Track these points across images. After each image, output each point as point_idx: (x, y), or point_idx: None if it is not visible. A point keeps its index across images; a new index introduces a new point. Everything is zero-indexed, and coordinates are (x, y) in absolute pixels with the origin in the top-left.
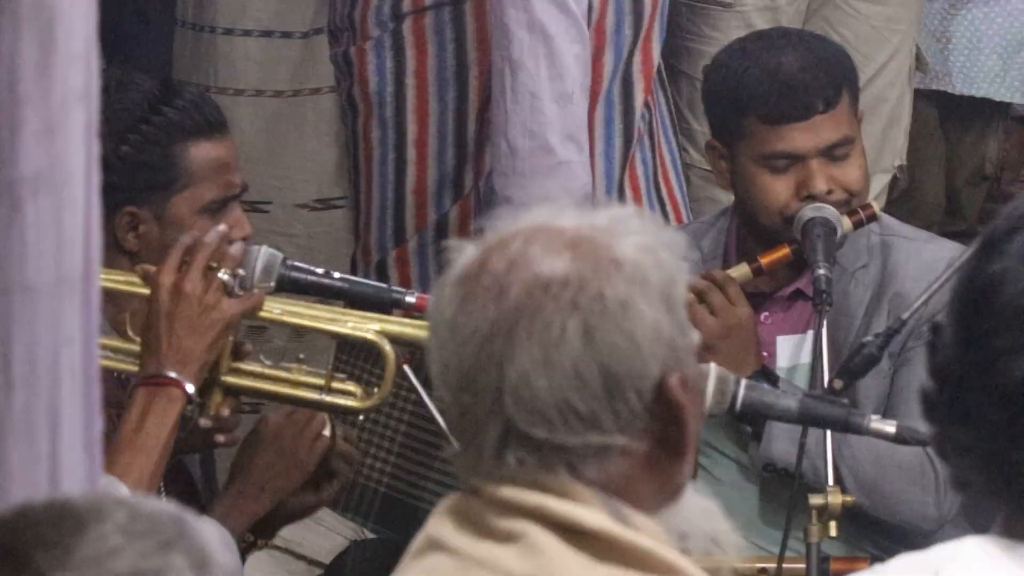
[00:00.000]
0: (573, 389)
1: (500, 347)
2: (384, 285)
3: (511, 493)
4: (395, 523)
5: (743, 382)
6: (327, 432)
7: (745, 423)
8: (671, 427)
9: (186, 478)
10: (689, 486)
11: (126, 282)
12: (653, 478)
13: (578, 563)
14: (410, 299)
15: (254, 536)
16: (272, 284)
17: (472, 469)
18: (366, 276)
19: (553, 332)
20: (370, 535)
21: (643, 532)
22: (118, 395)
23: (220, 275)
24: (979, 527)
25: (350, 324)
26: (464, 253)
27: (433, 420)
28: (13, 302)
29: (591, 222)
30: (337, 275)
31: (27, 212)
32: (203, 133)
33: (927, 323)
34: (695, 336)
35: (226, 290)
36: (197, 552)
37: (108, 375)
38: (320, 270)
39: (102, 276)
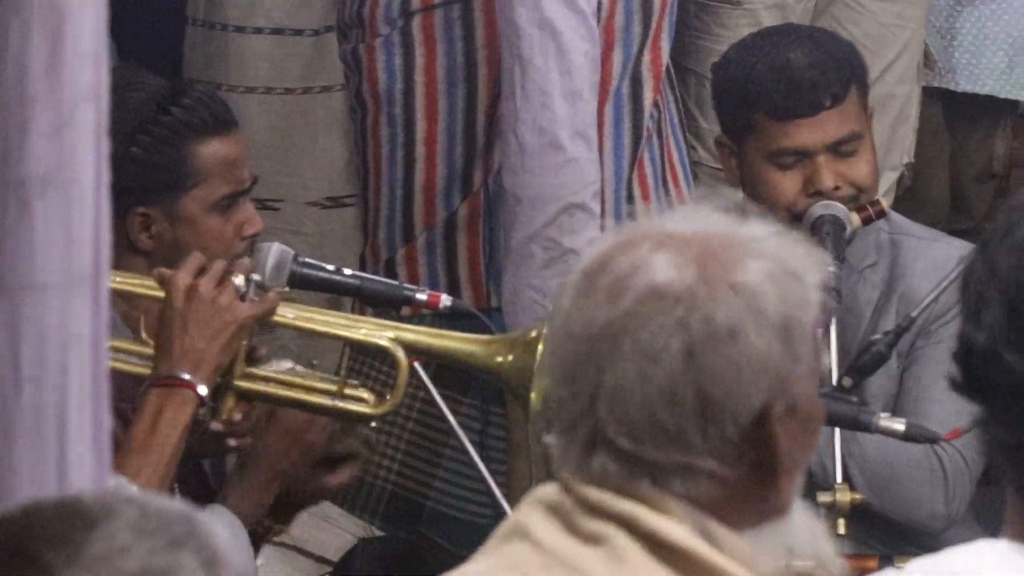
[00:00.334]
0: (664, 406)
1: (604, 351)
2: (396, 282)
3: (601, 496)
4: (403, 521)
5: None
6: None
7: None
8: (764, 455)
9: (200, 478)
10: (797, 504)
11: (141, 284)
12: (744, 501)
13: None
14: (421, 296)
15: (272, 521)
16: (285, 286)
17: (562, 461)
18: (375, 274)
19: (655, 347)
20: (379, 533)
21: (730, 553)
22: (133, 390)
23: (234, 279)
24: (987, 526)
25: (363, 330)
26: (598, 245)
27: (442, 418)
28: (22, 300)
29: (725, 237)
30: (348, 272)
31: (36, 211)
32: (212, 131)
33: (936, 322)
34: (824, 361)
35: (239, 294)
36: (207, 551)
37: (124, 372)
38: (331, 267)
39: (117, 279)
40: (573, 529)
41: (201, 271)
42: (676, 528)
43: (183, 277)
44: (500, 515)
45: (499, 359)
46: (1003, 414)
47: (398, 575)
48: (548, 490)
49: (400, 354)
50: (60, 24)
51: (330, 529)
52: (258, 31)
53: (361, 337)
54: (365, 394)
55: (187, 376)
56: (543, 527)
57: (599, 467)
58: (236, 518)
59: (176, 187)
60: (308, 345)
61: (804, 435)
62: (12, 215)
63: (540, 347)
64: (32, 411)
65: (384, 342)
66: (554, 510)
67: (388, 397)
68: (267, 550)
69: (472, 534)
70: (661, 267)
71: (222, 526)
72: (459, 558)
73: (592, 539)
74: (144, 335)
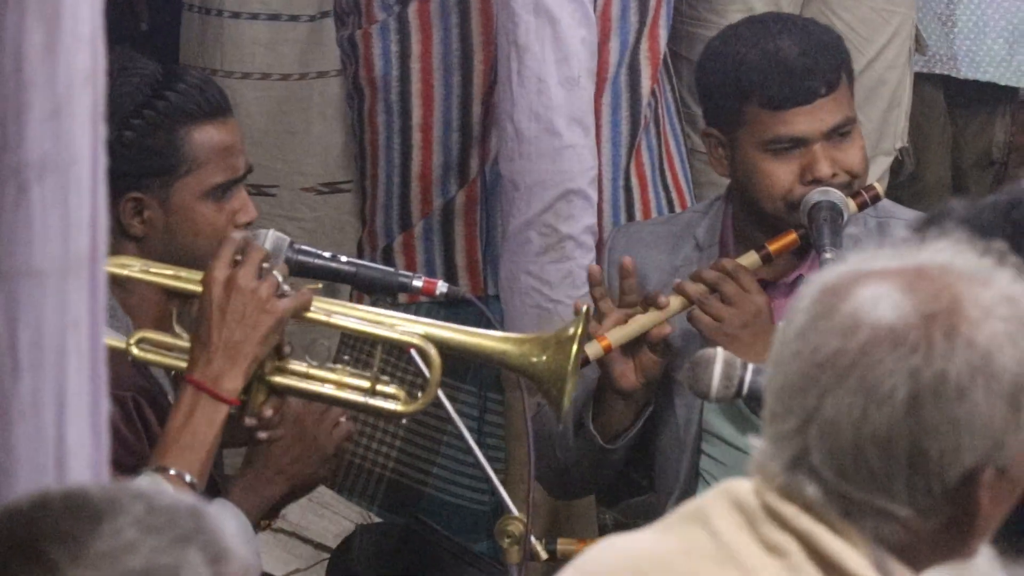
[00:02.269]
0: (876, 449)
1: (829, 380)
2: (391, 269)
3: (788, 510)
4: (401, 508)
5: (749, 367)
6: (345, 419)
7: (751, 410)
8: (963, 515)
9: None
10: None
11: (174, 276)
12: (931, 550)
13: None
14: (417, 283)
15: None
16: (318, 285)
17: (763, 466)
18: (372, 261)
19: (882, 390)
20: (376, 519)
21: None
22: (136, 380)
23: (274, 273)
24: None
25: (398, 328)
26: (849, 261)
27: (440, 405)
28: (20, 285)
29: (974, 290)
30: (344, 259)
31: (33, 195)
32: (206, 117)
33: None
34: None
35: (278, 289)
36: (214, 546)
37: (123, 358)
38: (327, 254)
39: (151, 270)
40: (754, 531)
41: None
42: (854, 556)
43: (221, 269)
44: (497, 502)
45: (533, 359)
46: None
47: (396, 561)
48: (739, 486)
49: (432, 351)
50: (57, 8)
51: (328, 515)
52: (254, 17)
53: (394, 335)
54: (396, 391)
55: (220, 391)
56: (727, 521)
57: (796, 486)
58: (242, 513)
59: (169, 173)
60: (300, 328)
61: (1009, 498)
62: (9, 200)
63: (575, 348)
64: (30, 396)
65: (417, 340)
66: (740, 508)
67: (420, 395)
68: (265, 536)
69: (471, 520)
70: (905, 310)
71: (227, 520)
72: (457, 544)
73: (773, 548)
74: (177, 328)
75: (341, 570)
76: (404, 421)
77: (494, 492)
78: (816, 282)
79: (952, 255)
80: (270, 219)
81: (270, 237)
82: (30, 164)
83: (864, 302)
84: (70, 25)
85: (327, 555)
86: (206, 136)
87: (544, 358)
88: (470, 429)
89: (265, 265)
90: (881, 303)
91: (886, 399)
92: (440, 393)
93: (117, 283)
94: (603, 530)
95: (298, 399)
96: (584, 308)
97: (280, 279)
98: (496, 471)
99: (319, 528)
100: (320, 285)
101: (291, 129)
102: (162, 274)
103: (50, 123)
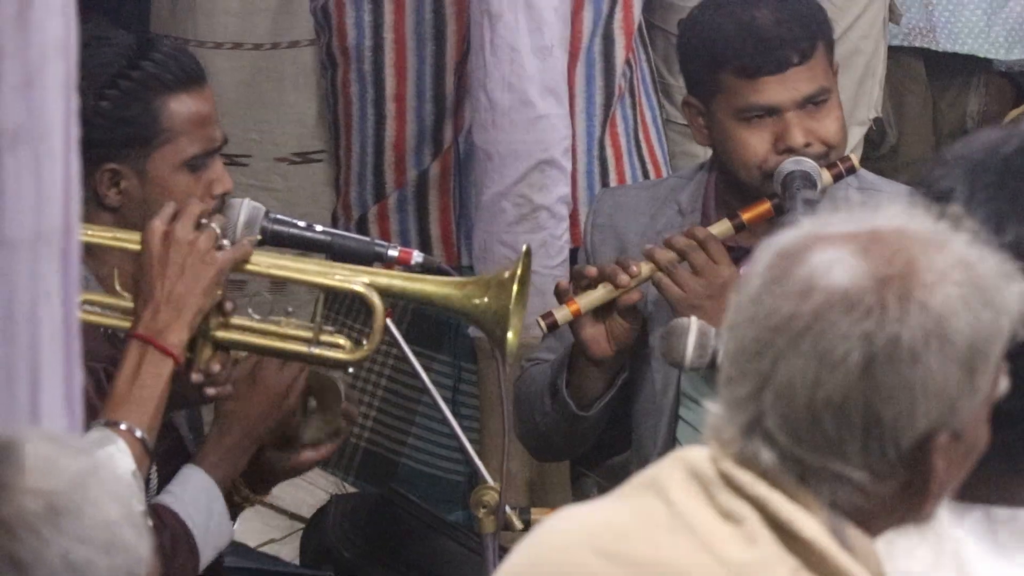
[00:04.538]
0: (831, 414)
1: (783, 344)
2: (367, 239)
3: (744, 477)
4: (376, 477)
5: (724, 335)
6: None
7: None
8: (918, 478)
9: (174, 433)
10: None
11: (112, 237)
12: (887, 513)
13: (787, 567)
14: (392, 252)
15: (250, 491)
16: (258, 236)
17: (718, 431)
18: (347, 231)
19: (836, 354)
20: (351, 489)
21: (859, 555)
22: (106, 350)
23: (212, 225)
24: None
25: (338, 276)
26: (802, 225)
27: (414, 375)
28: None
29: (929, 254)
30: (319, 228)
31: (6, 165)
32: (182, 86)
33: None
34: (1003, 386)
35: (216, 241)
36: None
37: (95, 330)
38: (302, 223)
39: (87, 232)
40: (711, 501)
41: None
42: (809, 521)
43: (159, 224)
44: (473, 472)
45: (475, 300)
46: None
47: (370, 531)
48: (694, 454)
49: (375, 298)
50: None
51: (303, 486)
52: None
53: (336, 283)
54: (341, 340)
55: (166, 343)
56: (682, 490)
57: (751, 452)
58: (210, 478)
59: (145, 143)
60: (282, 299)
61: (963, 462)
62: None
63: (515, 288)
64: (3, 366)
65: (359, 287)
66: (696, 476)
67: (364, 343)
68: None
69: (446, 490)
70: (858, 272)
71: (193, 485)
72: (432, 514)
73: (728, 516)
74: (118, 288)
75: (315, 540)
76: (380, 392)
77: (468, 462)
78: (771, 246)
79: (908, 219)
80: (244, 189)
81: (245, 206)
82: (2, 134)
83: (818, 266)
84: None
85: (302, 525)
86: (182, 106)
87: (486, 299)
88: (445, 399)
89: (203, 221)
90: (835, 267)
91: (840, 363)
92: (415, 361)
93: (90, 254)
94: (584, 499)
95: (268, 366)
96: (525, 247)
97: (219, 231)
98: (471, 441)
99: (294, 499)
100: (260, 238)
101: (264, 99)
102: (99, 235)
103: (22, 93)
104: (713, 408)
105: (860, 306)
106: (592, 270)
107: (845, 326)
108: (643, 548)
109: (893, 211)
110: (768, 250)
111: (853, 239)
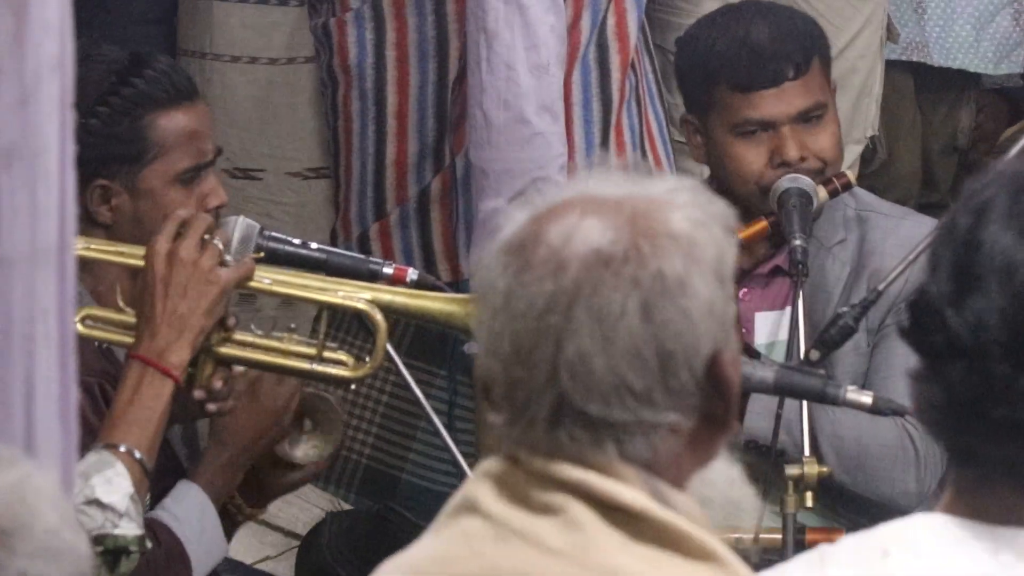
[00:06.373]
0: (630, 367)
1: (558, 322)
2: (362, 256)
3: (552, 467)
4: (377, 494)
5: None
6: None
7: None
8: (717, 403)
9: (167, 449)
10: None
11: (116, 252)
12: (696, 454)
13: (616, 541)
14: (387, 270)
15: (247, 506)
16: (259, 254)
17: (518, 440)
18: (348, 249)
19: (613, 309)
20: (346, 506)
21: (681, 512)
22: (102, 365)
23: (215, 242)
24: None
25: (340, 293)
26: (513, 220)
27: (410, 388)
28: None
29: (644, 193)
30: (315, 245)
31: (1, 183)
32: (172, 102)
33: (906, 299)
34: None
35: (220, 259)
36: None
37: (89, 344)
38: (297, 241)
39: (91, 248)
40: (525, 501)
41: (178, 232)
42: (628, 491)
43: (163, 242)
44: None
45: None
46: (939, 373)
47: (365, 548)
48: (494, 464)
49: (378, 315)
50: None
51: (297, 503)
52: (243, 0)
53: (339, 300)
54: (344, 357)
55: (166, 364)
56: (493, 500)
57: (566, 437)
58: (206, 495)
59: (136, 159)
60: (288, 315)
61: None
62: None
63: None
64: None
65: (362, 304)
66: (504, 483)
67: (367, 360)
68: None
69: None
70: (597, 231)
71: (188, 502)
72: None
73: (545, 509)
74: (121, 303)
75: (311, 558)
76: (380, 408)
77: (462, 477)
78: (493, 252)
79: (609, 179)
80: (256, 203)
81: (240, 224)
82: None
83: (556, 241)
84: (38, 13)
85: (297, 543)
86: (172, 122)
87: None
88: (441, 412)
89: (206, 237)
90: (575, 235)
91: (620, 316)
92: (410, 379)
93: (87, 270)
94: None
95: (268, 383)
96: None
97: (221, 247)
98: (468, 456)
99: (289, 516)
100: (262, 255)
101: (278, 113)
102: (104, 251)
103: (18, 111)
104: (497, 419)
105: (616, 257)
106: None
107: (611, 280)
108: (473, 565)
109: (589, 179)
110: (491, 259)
111: (572, 207)
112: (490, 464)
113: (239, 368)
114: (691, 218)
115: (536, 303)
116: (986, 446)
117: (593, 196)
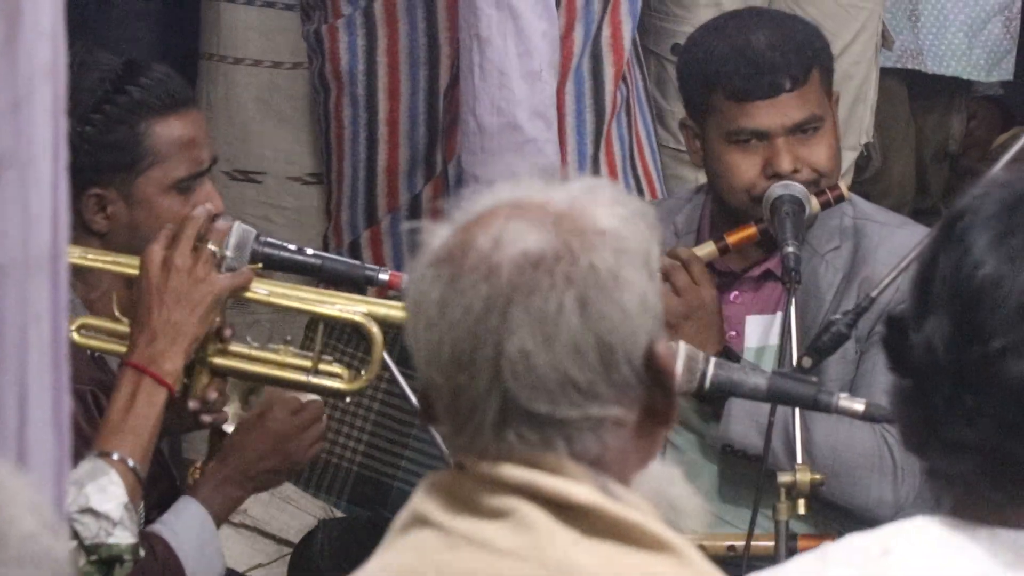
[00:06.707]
0: (573, 363)
1: (496, 324)
2: (357, 262)
3: (500, 471)
4: (369, 502)
5: (712, 360)
6: (322, 430)
7: (704, 402)
8: (659, 394)
9: (159, 458)
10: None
11: (112, 261)
12: (640, 447)
13: (568, 538)
14: (383, 276)
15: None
16: (258, 265)
17: (465, 448)
18: (339, 255)
19: (550, 307)
20: (339, 514)
21: (631, 506)
22: (94, 374)
23: (210, 247)
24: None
25: (337, 306)
26: (437, 234)
27: (406, 397)
28: None
29: (566, 194)
30: (310, 251)
31: None
32: (168, 110)
33: (897, 307)
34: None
35: (216, 265)
36: None
37: (81, 353)
38: (293, 246)
39: (87, 256)
40: (474, 507)
41: (173, 239)
42: (577, 488)
43: (157, 250)
44: None
45: None
46: (901, 390)
47: (358, 556)
48: (439, 475)
49: (374, 328)
50: (17, 2)
51: (290, 510)
52: (249, 3)
53: (335, 312)
54: (340, 369)
55: (160, 372)
56: (442, 511)
57: (515, 439)
58: (204, 510)
59: (132, 167)
60: (282, 321)
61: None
62: None
63: None
64: None
65: (358, 317)
66: (451, 492)
67: (363, 372)
68: (227, 532)
69: None
70: (525, 233)
71: (187, 517)
72: None
73: (495, 513)
74: (118, 313)
75: (303, 565)
76: (372, 416)
77: None
78: (421, 266)
79: (525, 184)
80: (255, 206)
81: (235, 229)
82: None
83: (485, 247)
84: (31, 19)
85: (289, 550)
86: (168, 129)
87: None
88: None
89: (199, 244)
90: (503, 239)
91: (559, 313)
92: (404, 385)
93: (80, 278)
94: None
95: (282, 410)
96: None
97: (216, 252)
98: None
99: (281, 523)
100: (260, 265)
101: (281, 117)
102: (100, 259)
103: (10, 117)
104: (442, 431)
105: (548, 256)
106: None
107: (545, 279)
108: (428, 574)
109: (503, 187)
110: (421, 269)
111: (496, 214)
112: (435, 476)
113: (264, 388)
114: (616, 214)
115: (473, 307)
116: (943, 463)
117: (516, 201)
